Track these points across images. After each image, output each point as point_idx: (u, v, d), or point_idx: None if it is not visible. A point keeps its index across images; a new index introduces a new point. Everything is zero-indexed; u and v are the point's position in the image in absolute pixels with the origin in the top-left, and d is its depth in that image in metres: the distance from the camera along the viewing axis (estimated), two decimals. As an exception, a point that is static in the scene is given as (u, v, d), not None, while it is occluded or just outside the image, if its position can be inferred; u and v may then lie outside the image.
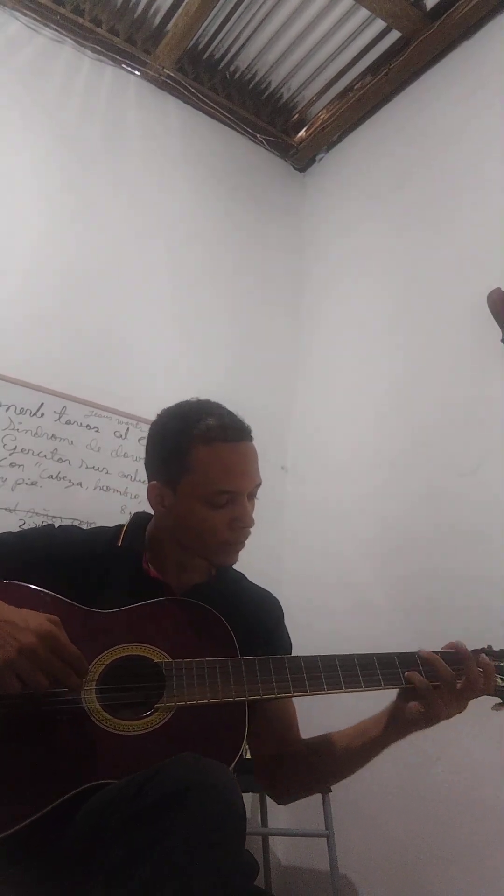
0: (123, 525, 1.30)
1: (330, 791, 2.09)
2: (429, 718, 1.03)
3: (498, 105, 2.46)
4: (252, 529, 1.19)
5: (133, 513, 1.33)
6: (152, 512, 1.26)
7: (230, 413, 1.21)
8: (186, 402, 1.23)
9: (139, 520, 1.30)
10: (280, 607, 1.31)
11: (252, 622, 1.21)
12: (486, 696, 1.08)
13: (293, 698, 1.20)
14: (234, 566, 1.26)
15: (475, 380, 2.25)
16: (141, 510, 1.33)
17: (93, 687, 1.01)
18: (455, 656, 1.07)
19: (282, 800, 1.22)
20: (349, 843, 2.12)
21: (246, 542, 1.20)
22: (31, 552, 1.18)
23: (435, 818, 1.98)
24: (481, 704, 1.08)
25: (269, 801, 2.38)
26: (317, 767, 1.13)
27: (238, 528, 1.16)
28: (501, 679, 1.07)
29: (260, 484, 1.20)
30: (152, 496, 1.21)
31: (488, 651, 1.12)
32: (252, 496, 1.19)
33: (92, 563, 1.18)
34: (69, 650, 0.98)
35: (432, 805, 1.99)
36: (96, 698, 1.01)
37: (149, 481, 1.23)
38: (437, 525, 2.23)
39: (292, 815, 2.42)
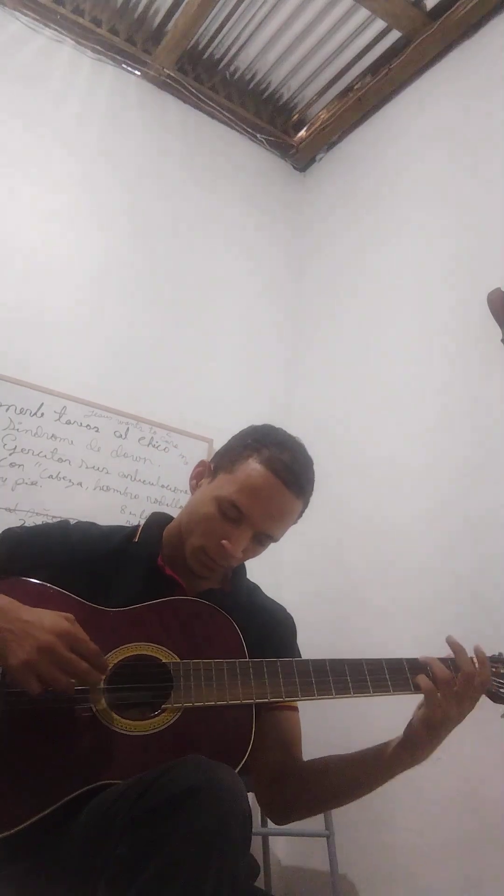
0: (140, 524, 1.30)
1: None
2: (430, 725, 1.00)
3: (498, 104, 2.46)
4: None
5: (152, 512, 1.34)
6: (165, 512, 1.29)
7: (305, 464, 1.21)
8: (285, 431, 1.27)
9: (156, 519, 1.30)
10: (293, 623, 1.30)
11: (265, 633, 1.20)
12: (492, 706, 1.08)
13: (300, 718, 1.20)
14: (250, 578, 1.27)
15: (475, 380, 2.25)
16: (141, 510, 1.33)
17: (101, 686, 1.01)
18: (455, 658, 1.05)
19: (281, 820, 1.19)
20: (349, 843, 2.12)
21: (219, 578, 1.21)
22: (46, 549, 1.17)
23: (435, 818, 1.98)
24: (480, 706, 1.08)
25: (269, 801, 2.38)
26: (319, 788, 1.11)
27: (220, 550, 1.13)
28: None
29: (272, 537, 1.18)
30: (196, 471, 1.27)
31: (498, 657, 1.11)
32: (260, 541, 1.18)
33: (108, 560, 1.18)
34: (89, 647, 0.96)
35: (432, 805, 1.99)
36: (104, 698, 1.00)
37: None
38: (436, 526, 2.23)
39: (292, 815, 2.42)
